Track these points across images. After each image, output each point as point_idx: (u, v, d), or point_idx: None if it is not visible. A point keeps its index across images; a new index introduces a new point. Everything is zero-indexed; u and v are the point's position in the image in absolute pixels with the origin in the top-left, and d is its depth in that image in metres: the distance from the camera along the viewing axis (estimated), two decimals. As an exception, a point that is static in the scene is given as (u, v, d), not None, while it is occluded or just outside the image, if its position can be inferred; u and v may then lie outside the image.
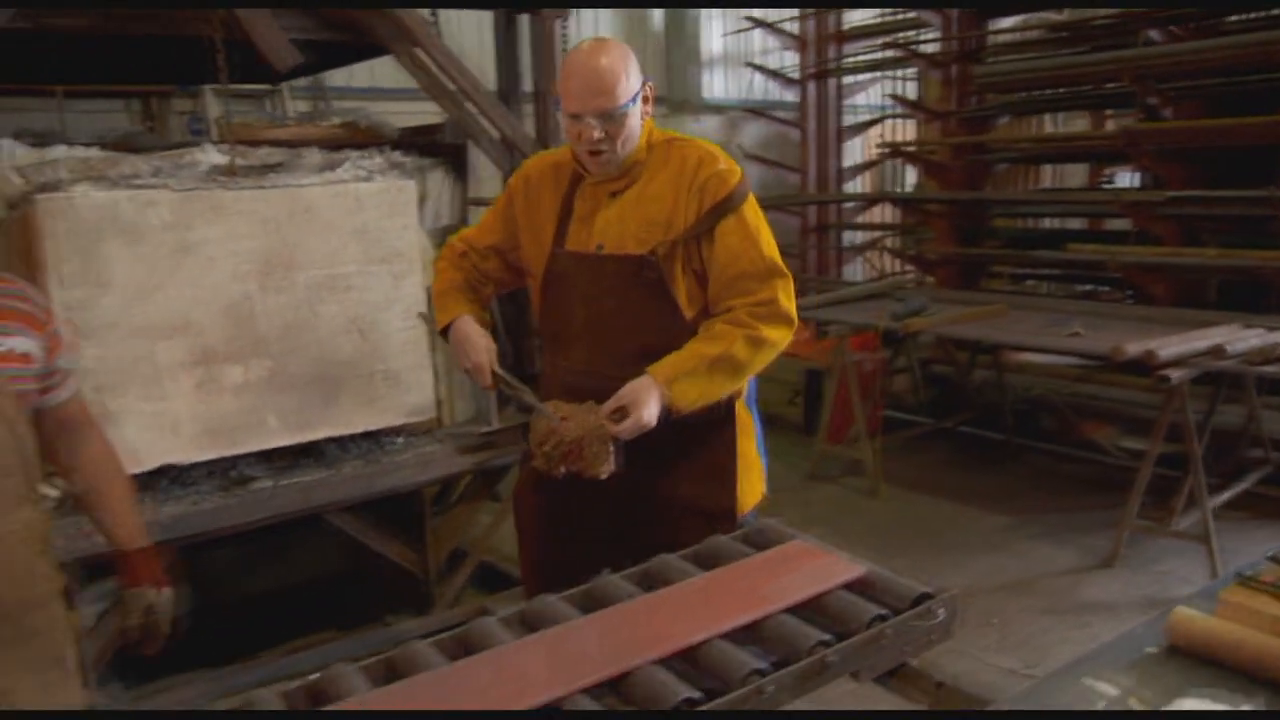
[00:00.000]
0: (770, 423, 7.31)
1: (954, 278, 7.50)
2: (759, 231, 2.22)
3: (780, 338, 2.23)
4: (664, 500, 2.29)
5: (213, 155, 3.15)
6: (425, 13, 3.64)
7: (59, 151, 3.14)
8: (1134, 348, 4.20)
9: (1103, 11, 6.73)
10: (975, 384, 6.77)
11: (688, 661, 1.51)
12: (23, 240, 2.94)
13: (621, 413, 2.08)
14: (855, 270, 9.64)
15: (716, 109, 9.01)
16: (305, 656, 3.73)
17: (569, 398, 2.20)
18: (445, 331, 2.38)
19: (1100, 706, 1.30)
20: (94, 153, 3.19)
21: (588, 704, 1.40)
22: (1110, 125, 8.42)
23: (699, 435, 2.28)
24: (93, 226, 2.91)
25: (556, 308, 2.33)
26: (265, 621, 4.03)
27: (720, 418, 2.31)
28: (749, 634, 1.58)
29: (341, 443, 3.57)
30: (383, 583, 4.16)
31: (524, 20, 3.93)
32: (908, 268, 8.52)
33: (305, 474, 3.46)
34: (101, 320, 2.95)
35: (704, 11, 8.84)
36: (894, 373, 6.51)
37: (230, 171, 3.13)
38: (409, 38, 3.50)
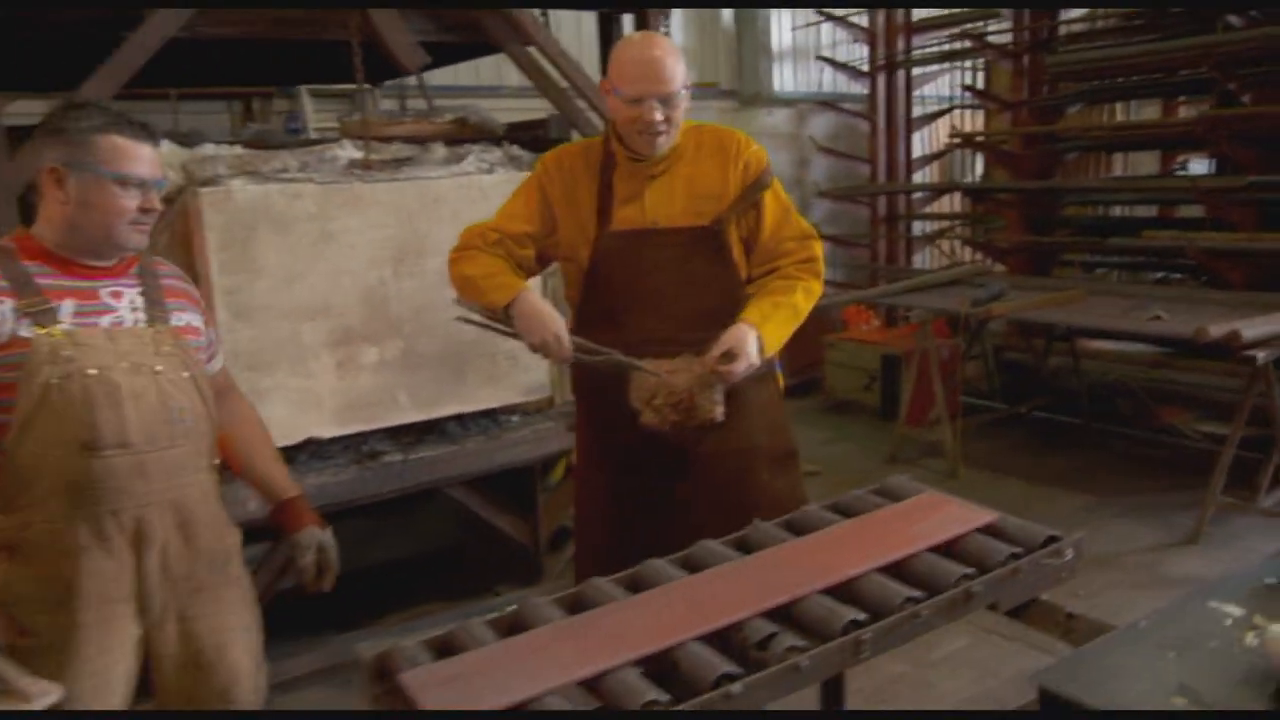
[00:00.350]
0: (846, 408, 7.51)
1: (1025, 266, 7.55)
2: (788, 200, 2.55)
3: (820, 289, 2.53)
4: (735, 454, 2.50)
5: (350, 150, 3.39)
6: (536, 12, 3.84)
7: (208, 149, 3.41)
8: (1217, 329, 4.28)
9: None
10: (1050, 370, 6.86)
11: (848, 592, 1.70)
12: (184, 230, 3.20)
13: (729, 356, 2.29)
14: (924, 259, 9.70)
15: (787, 102, 9.11)
16: (422, 624, 3.98)
17: (623, 372, 2.37)
18: (506, 309, 2.39)
19: (1226, 625, 1.46)
20: (239, 150, 3.45)
21: (767, 627, 1.59)
22: (1183, 112, 8.41)
23: (753, 390, 2.50)
24: (247, 217, 3.16)
25: (609, 284, 2.48)
26: (383, 591, 4.29)
27: (767, 372, 2.56)
28: (898, 570, 1.76)
29: (462, 420, 3.81)
30: (493, 556, 4.39)
31: (626, 18, 4.14)
32: (977, 256, 8.58)
33: (430, 449, 3.69)
34: (254, 303, 3.20)
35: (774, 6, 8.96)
36: (968, 359, 6.62)
37: (366, 165, 3.38)
38: (523, 37, 3.72)
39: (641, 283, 2.46)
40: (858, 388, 7.32)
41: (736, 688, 1.47)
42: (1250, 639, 1.40)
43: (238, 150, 3.38)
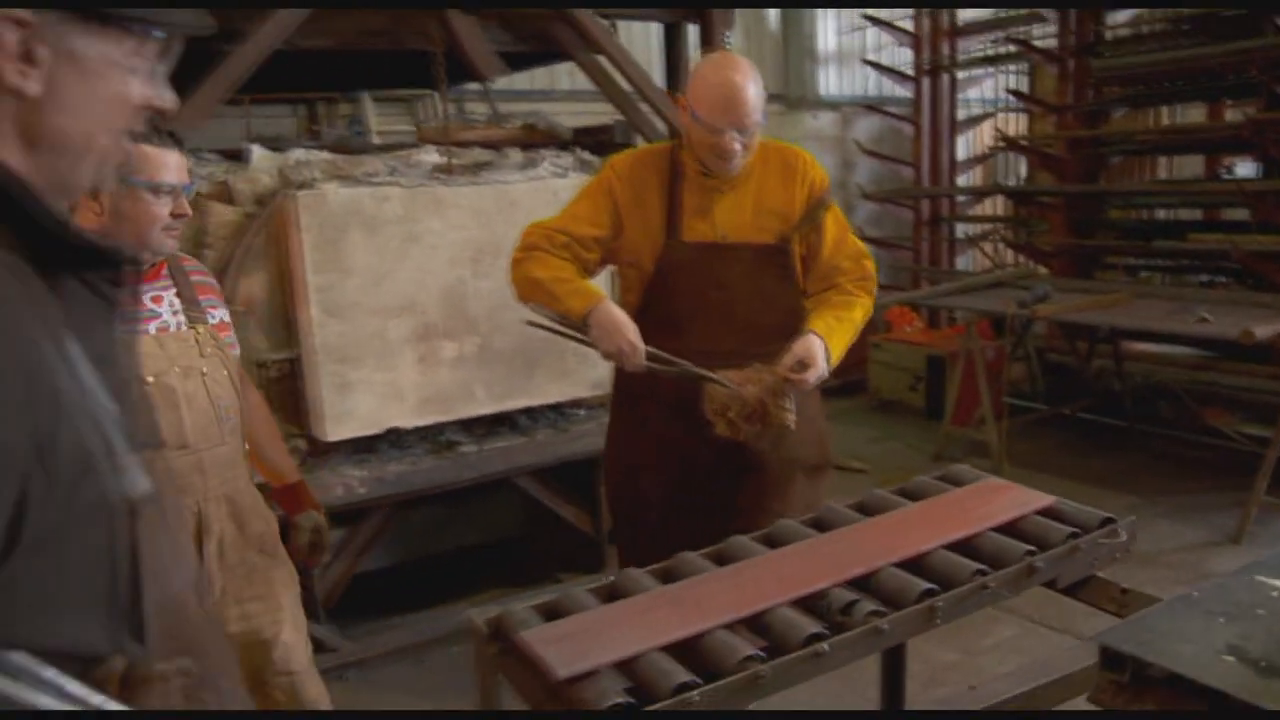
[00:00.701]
0: (891, 408, 7.63)
1: (1068, 269, 7.64)
2: (846, 220, 2.67)
3: (872, 306, 2.65)
4: (781, 462, 2.61)
5: (433, 155, 3.60)
6: (605, 22, 4.03)
7: (298, 154, 3.63)
8: (1263, 330, 4.39)
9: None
10: (1094, 372, 6.95)
11: (920, 566, 1.86)
12: (278, 230, 3.42)
13: (801, 366, 2.37)
14: (966, 262, 9.79)
15: (831, 105, 9.25)
16: (491, 608, 4.18)
17: (684, 383, 2.43)
18: (584, 316, 2.40)
19: (1272, 595, 1.61)
20: (324, 155, 3.66)
21: (849, 595, 1.76)
22: (1229, 115, 8.44)
23: (802, 402, 2.51)
24: (339, 219, 3.37)
25: (675, 293, 2.54)
26: (454, 576, 4.50)
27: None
28: (965, 547, 1.93)
29: (532, 413, 4.01)
30: (556, 544, 4.58)
31: (691, 27, 4.33)
32: (1020, 259, 8.66)
33: (502, 440, 3.90)
34: (345, 300, 3.42)
35: (820, 10, 9.09)
36: (1013, 361, 6.73)
37: (448, 170, 3.58)
38: (593, 45, 3.90)
39: (708, 294, 2.53)
40: (903, 388, 7.44)
41: (825, 646, 1.64)
42: (1293, 608, 1.54)
43: (325, 155, 3.59)
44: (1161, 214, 8.78)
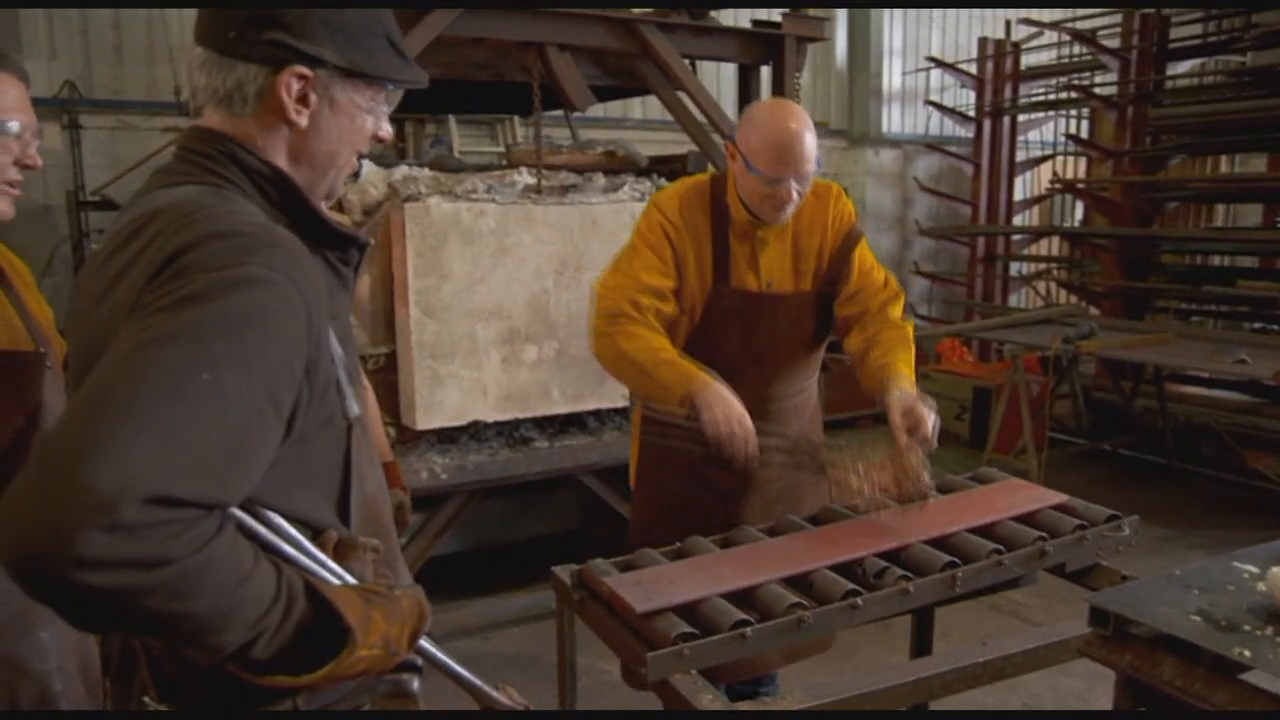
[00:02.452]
0: (939, 436, 7.81)
1: (1119, 310, 7.84)
2: (866, 243, 2.64)
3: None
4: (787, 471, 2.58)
5: (525, 176, 3.98)
6: (685, 60, 4.39)
7: (402, 170, 4.03)
8: (1296, 373, 4.61)
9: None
10: (1137, 410, 7.14)
11: (945, 545, 2.17)
12: (384, 238, 3.82)
13: (915, 428, 2.27)
14: (1019, 299, 10.02)
15: (894, 143, 9.58)
16: (547, 596, 4.51)
17: None
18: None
19: (1243, 577, 1.89)
20: (427, 172, 4.07)
21: (881, 563, 2.08)
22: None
23: (800, 413, 2.65)
24: (440, 229, 3.77)
25: (721, 341, 2.51)
26: (515, 564, 4.84)
27: (814, 395, 2.75)
28: (985, 532, 2.23)
29: (600, 415, 4.36)
30: (611, 540, 4.90)
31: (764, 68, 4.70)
32: (1072, 298, 8.87)
33: (572, 439, 4.26)
34: (441, 303, 3.80)
35: (886, 50, 9.42)
36: (1057, 398, 6.94)
37: (538, 190, 3.96)
38: (674, 82, 4.27)
39: (753, 343, 2.53)
40: (950, 418, 7.68)
41: (859, 601, 1.95)
42: (1260, 586, 1.83)
43: (428, 172, 3.99)
44: (1215, 260, 8.93)
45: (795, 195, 2.38)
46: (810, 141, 2.34)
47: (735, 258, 2.49)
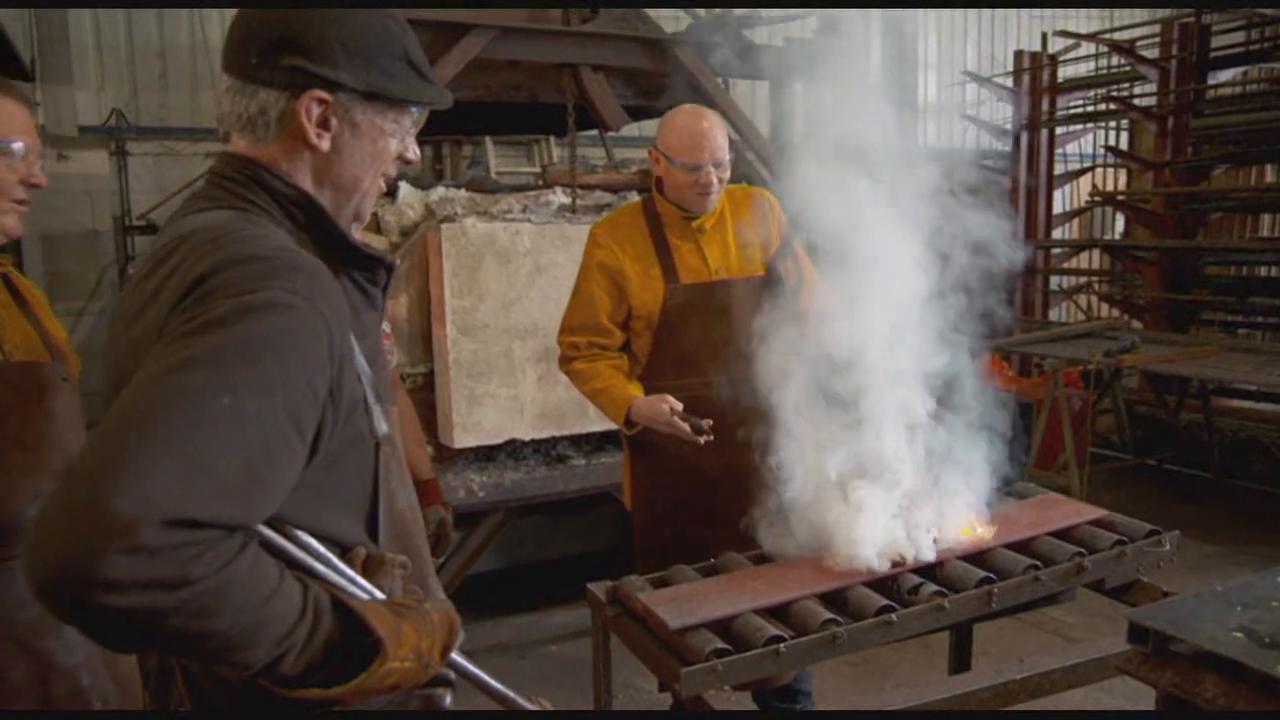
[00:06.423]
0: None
1: (1162, 323, 7.73)
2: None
3: None
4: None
5: (560, 196, 4.02)
6: (719, 79, 4.42)
7: (440, 191, 4.08)
8: (1345, 386, 4.52)
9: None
10: (1182, 425, 7.02)
11: (981, 560, 2.16)
12: (422, 258, 3.87)
13: None
14: (1060, 313, 9.90)
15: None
16: (582, 614, 4.51)
17: (698, 411, 2.58)
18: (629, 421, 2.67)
19: (1290, 594, 1.86)
20: (463, 193, 4.11)
21: (917, 579, 2.07)
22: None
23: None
24: (477, 249, 3.81)
25: (682, 332, 2.73)
26: (550, 582, 4.85)
27: None
28: (1022, 547, 2.21)
29: (635, 432, 4.36)
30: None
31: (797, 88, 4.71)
32: (1114, 312, 8.76)
33: (608, 457, 4.27)
34: (479, 322, 3.84)
35: (922, 64, 9.39)
36: (1100, 413, 6.85)
37: (573, 209, 3.99)
38: (707, 100, 4.29)
39: (712, 329, 2.71)
40: (989, 432, 7.60)
41: (893, 617, 1.95)
42: (1305, 603, 1.80)
43: (464, 193, 4.04)
44: (1262, 271, 8.78)
45: (715, 180, 2.64)
46: (721, 134, 2.65)
47: (680, 254, 2.75)
